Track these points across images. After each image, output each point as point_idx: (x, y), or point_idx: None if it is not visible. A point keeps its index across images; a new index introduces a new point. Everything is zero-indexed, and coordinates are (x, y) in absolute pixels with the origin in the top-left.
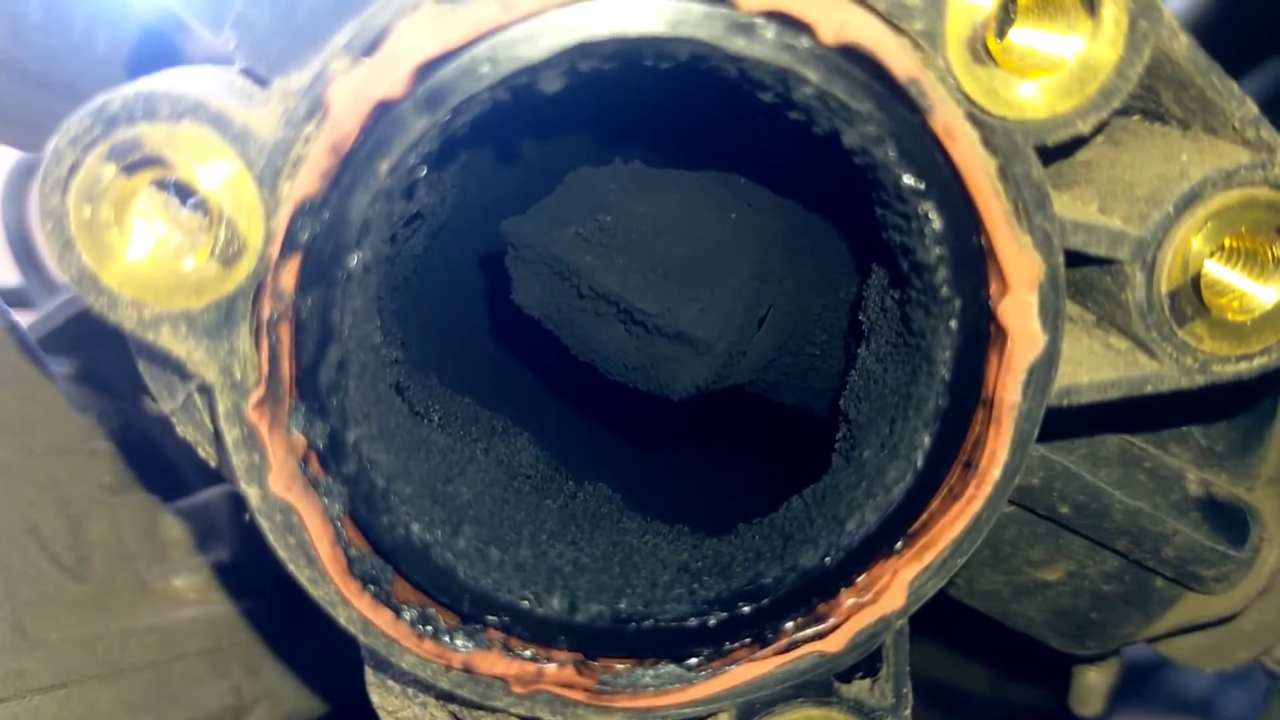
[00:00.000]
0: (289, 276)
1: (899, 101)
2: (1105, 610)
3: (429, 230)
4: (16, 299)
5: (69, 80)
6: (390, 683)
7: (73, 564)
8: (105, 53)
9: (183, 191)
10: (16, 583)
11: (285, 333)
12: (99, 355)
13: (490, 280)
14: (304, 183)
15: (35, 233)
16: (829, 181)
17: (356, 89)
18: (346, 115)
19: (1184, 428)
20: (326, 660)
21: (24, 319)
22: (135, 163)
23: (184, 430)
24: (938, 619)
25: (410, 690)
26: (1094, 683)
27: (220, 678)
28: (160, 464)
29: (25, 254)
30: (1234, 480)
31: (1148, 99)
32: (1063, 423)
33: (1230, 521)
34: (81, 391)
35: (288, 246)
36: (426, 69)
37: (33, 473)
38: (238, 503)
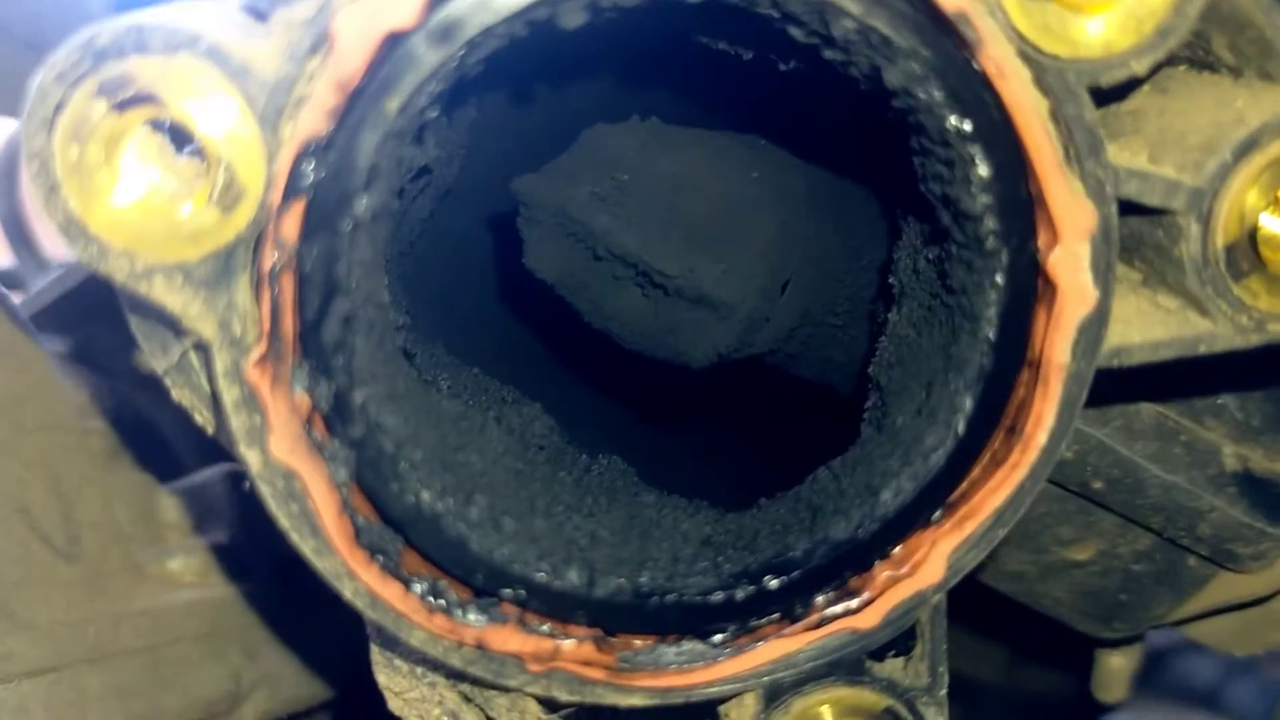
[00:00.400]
0: (292, 224)
1: (945, 36)
2: (1135, 591)
3: (435, 193)
4: (9, 280)
5: (60, 41)
6: (398, 662)
7: (64, 544)
8: (97, 10)
9: (178, 133)
10: (5, 563)
11: (288, 285)
12: (92, 333)
13: (499, 244)
14: (308, 122)
15: (28, 211)
16: (854, 139)
17: (364, 19)
18: (353, 48)
19: (1220, 400)
20: (327, 644)
21: (19, 299)
22: (126, 100)
23: (179, 393)
24: (950, 602)
25: (419, 669)
26: (1117, 667)
27: (217, 662)
28: (156, 443)
29: (18, 233)
30: (1271, 455)
31: (1197, 46)
32: (1098, 391)
33: (1267, 498)
34: (74, 370)
35: (290, 191)
36: None
37: (22, 450)
38: (235, 483)
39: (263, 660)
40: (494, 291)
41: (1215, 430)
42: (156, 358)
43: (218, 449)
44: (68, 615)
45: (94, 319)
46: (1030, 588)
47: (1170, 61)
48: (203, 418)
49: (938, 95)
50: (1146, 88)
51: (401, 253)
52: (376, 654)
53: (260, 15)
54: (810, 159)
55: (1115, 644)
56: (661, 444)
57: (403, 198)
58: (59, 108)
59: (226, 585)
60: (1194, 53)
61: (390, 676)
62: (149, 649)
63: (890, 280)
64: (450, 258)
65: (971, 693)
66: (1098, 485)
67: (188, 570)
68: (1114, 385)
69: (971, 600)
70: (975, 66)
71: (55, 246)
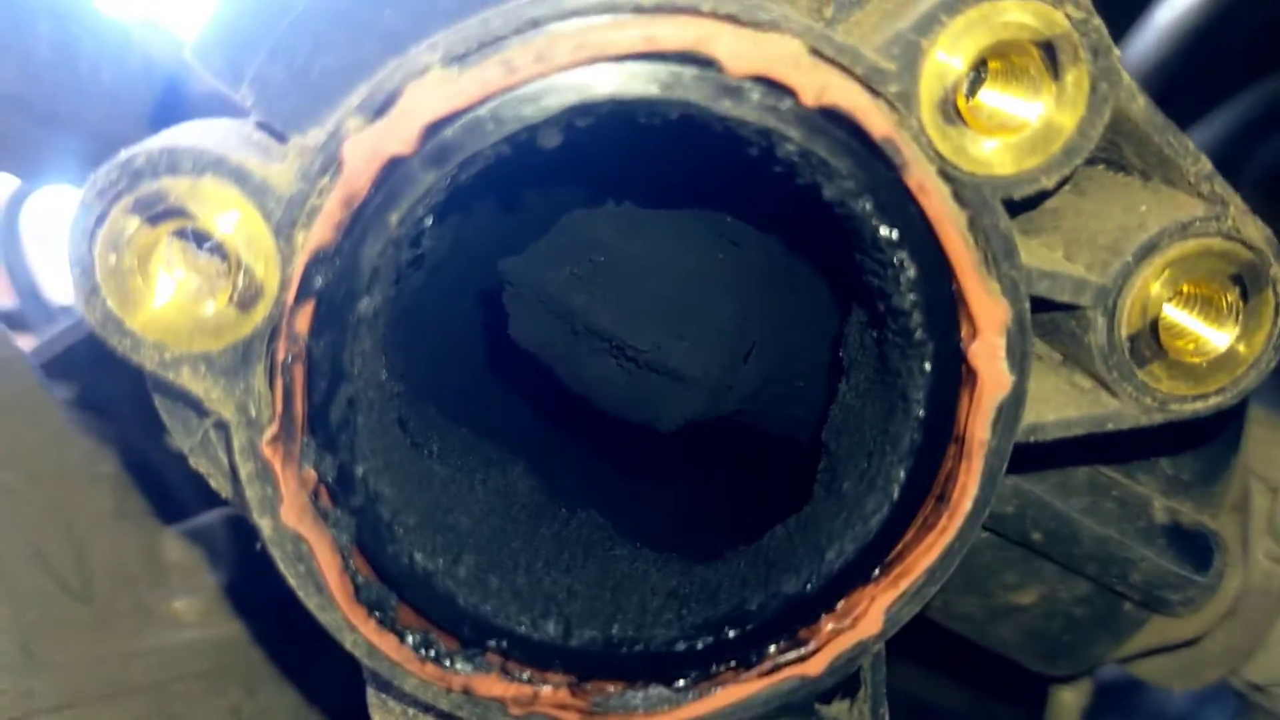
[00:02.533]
0: (303, 320)
1: (876, 159)
2: (1077, 632)
3: (429, 266)
4: (13, 321)
5: (73, 114)
6: (391, 703)
7: (78, 586)
8: (111, 88)
9: (202, 238)
10: (24, 605)
11: (299, 373)
12: (99, 381)
13: (487, 314)
14: (319, 233)
15: (31, 257)
16: (810, 226)
17: (369, 146)
18: (360, 171)
19: (1152, 458)
20: (323, 681)
21: (21, 340)
22: (158, 214)
23: (197, 462)
24: (918, 640)
25: (410, 710)
26: (1068, 702)
27: (219, 697)
28: (160, 487)
29: (22, 277)
30: (1199, 508)
31: (1111, 150)
32: (1035, 454)
33: (1195, 548)
34: (82, 417)
35: (302, 292)
36: (435, 128)
37: (37, 497)
38: (236, 526)
39: (262, 696)
40: (482, 355)
41: (1147, 485)
42: (179, 435)
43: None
44: (82, 654)
45: (100, 367)
46: (980, 629)
47: (1089, 162)
48: (218, 484)
49: (869, 208)
50: (1067, 188)
51: (396, 320)
52: (372, 695)
53: (277, 135)
54: (770, 233)
55: (1064, 680)
56: (637, 497)
57: (399, 282)
58: (100, 220)
59: (228, 624)
60: (1110, 155)
61: (384, 717)
62: (157, 685)
63: (841, 353)
64: (441, 324)
65: None
66: (1037, 536)
67: (191, 610)
68: (1050, 449)
69: (937, 637)
70: (902, 184)
71: (57, 290)
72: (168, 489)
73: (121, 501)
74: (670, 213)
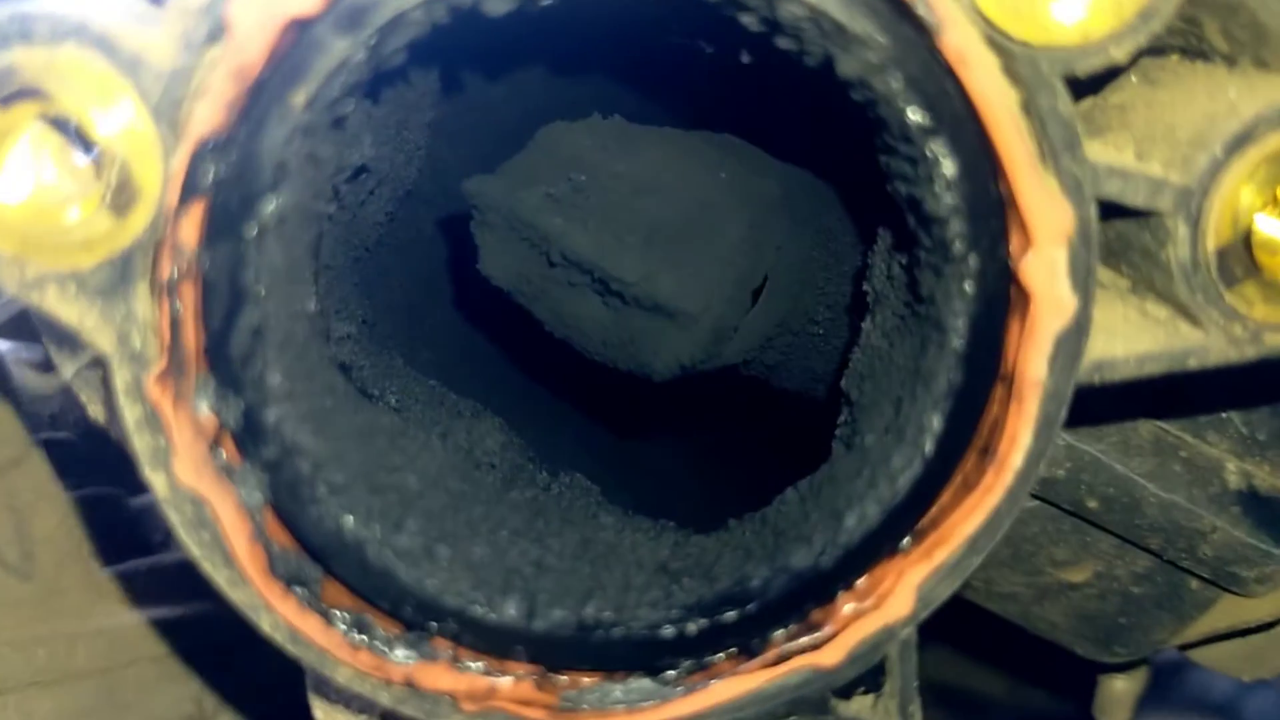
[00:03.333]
0: (191, 227)
1: (904, 21)
2: (1135, 614)
3: (392, 194)
4: None
5: None
6: (334, 698)
7: (15, 561)
8: None
9: (65, 126)
10: None
11: (190, 294)
12: None
13: (462, 250)
14: (206, 116)
15: None
16: (830, 138)
17: (263, 5)
18: (253, 36)
19: (1223, 414)
20: (296, 666)
21: None
22: (11, 94)
23: (92, 409)
24: (952, 622)
25: (354, 705)
26: (1121, 691)
27: (179, 685)
28: (123, 456)
29: None
30: (1277, 472)
31: (1188, 33)
32: (1091, 406)
33: (1273, 517)
34: (44, 379)
35: (189, 191)
36: None
37: None
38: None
39: (227, 683)
40: (458, 299)
41: (1218, 446)
42: (65, 370)
43: None
44: (16, 635)
45: None
46: (1025, 610)
47: (1160, 50)
48: (116, 433)
49: (896, 86)
50: (1134, 79)
51: (357, 259)
52: (311, 692)
53: (156, 0)
54: (787, 159)
55: (1118, 668)
56: (632, 459)
57: (341, 201)
58: None
59: (193, 604)
60: (1185, 40)
61: (327, 712)
62: (105, 671)
63: (865, 287)
64: (416, 265)
65: (974, 712)
66: (1092, 504)
67: (149, 588)
68: (1109, 400)
69: (974, 618)
70: (936, 53)
71: None
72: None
73: (78, 470)
74: (667, 131)
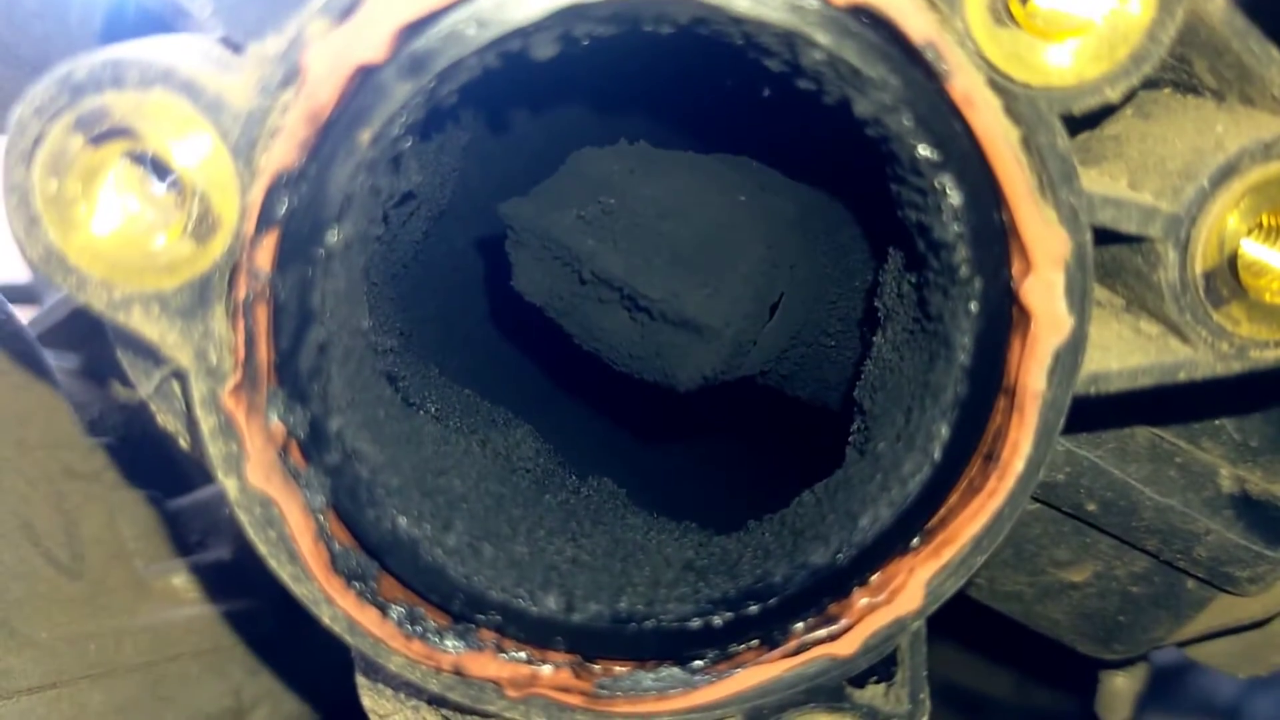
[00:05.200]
0: (266, 254)
1: (915, 66)
2: (1133, 613)
3: (429, 214)
4: (25, 295)
5: None
6: (381, 685)
7: (67, 561)
8: (104, 38)
9: (155, 165)
10: (7, 579)
11: (262, 314)
12: (101, 349)
13: (495, 266)
14: (280, 154)
15: None
16: (843, 160)
17: (334, 53)
18: (324, 82)
19: (1217, 421)
20: (329, 661)
21: (32, 314)
22: (103, 133)
23: (163, 419)
24: (958, 620)
25: (402, 694)
26: (1121, 688)
27: (219, 678)
28: (163, 459)
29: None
30: (1269, 476)
31: (1179, 69)
32: (1090, 414)
33: (1265, 519)
34: (84, 386)
35: (264, 222)
36: (409, 31)
37: (26, 467)
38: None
39: (265, 676)
40: (491, 312)
41: (1212, 452)
42: (140, 384)
43: None
44: (69, 632)
45: (103, 336)
46: (1028, 609)
47: (1153, 84)
48: (186, 443)
49: (908, 124)
50: (1129, 111)
51: (395, 275)
52: (361, 678)
53: (236, 48)
54: (801, 180)
55: (1118, 665)
56: (655, 464)
57: (388, 223)
58: (37, 141)
59: (230, 601)
60: (1177, 75)
61: (375, 700)
62: (150, 665)
63: (876, 303)
64: (448, 279)
65: (979, 709)
66: (1092, 507)
67: (191, 586)
68: (1107, 409)
69: (978, 617)
70: (945, 96)
71: None
72: (173, 462)
73: (119, 473)
74: (690, 154)
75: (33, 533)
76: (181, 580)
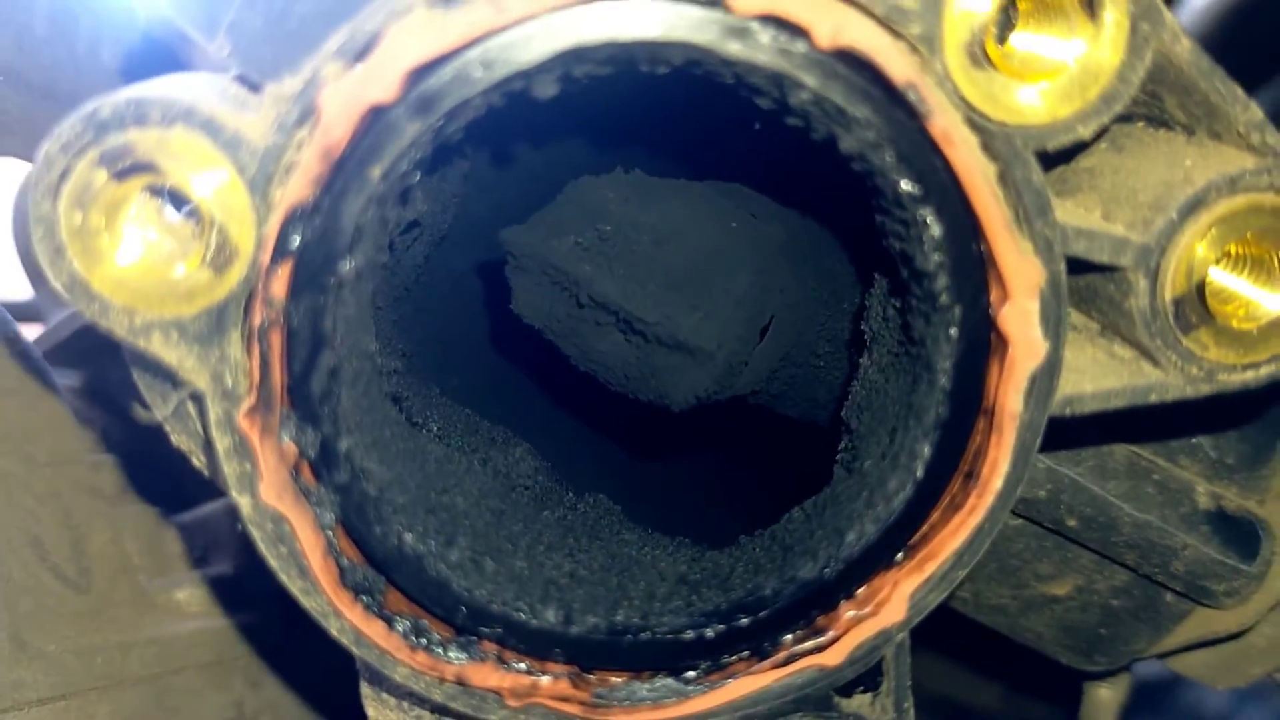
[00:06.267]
0: (280, 283)
1: (897, 106)
2: (1114, 625)
3: (430, 239)
4: (29, 313)
5: (73, 92)
6: (385, 695)
7: (74, 575)
8: (110, 64)
9: (174, 198)
10: (17, 594)
11: (276, 340)
12: (105, 368)
13: (493, 289)
14: (295, 189)
15: None
16: (830, 189)
17: (348, 94)
18: (338, 120)
19: (1193, 439)
20: (329, 673)
21: (36, 332)
22: (126, 169)
23: (177, 439)
24: (946, 633)
25: (405, 704)
26: (1105, 699)
27: (221, 691)
28: (165, 476)
29: (36, 268)
30: (1244, 493)
31: (1151, 105)
32: (1069, 433)
33: (1241, 535)
34: (87, 404)
35: (279, 253)
36: (419, 74)
37: (34, 483)
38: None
39: (266, 689)
40: (489, 334)
41: (1189, 469)
42: (157, 407)
43: None
44: (77, 645)
45: (107, 354)
46: (1012, 621)
47: (1126, 119)
48: (199, 462)
49: (890, 160)
50: (1103, 145)
51: (398, 298)
52: (365, 688)
53: (254, 87)
54: (791, 208)
55: (1101, 676)
56: (649, 481)
57: (393, 250)
58: (64, 176)
59: (232, 615)
60: (1150, 110)
61: (379, 709)
62: (155, 677)
63: (863, 326)
64: (447, 301)
65: None
66: (1072, 523)
67: (194, 600)
68: (1086, 427)
69: (966, 630)
70: (925, 134)
71: None
72: (174, 477)
73: (123, 490)
74: (683, 182)
75: (41, 548)
76: (185, 594)
